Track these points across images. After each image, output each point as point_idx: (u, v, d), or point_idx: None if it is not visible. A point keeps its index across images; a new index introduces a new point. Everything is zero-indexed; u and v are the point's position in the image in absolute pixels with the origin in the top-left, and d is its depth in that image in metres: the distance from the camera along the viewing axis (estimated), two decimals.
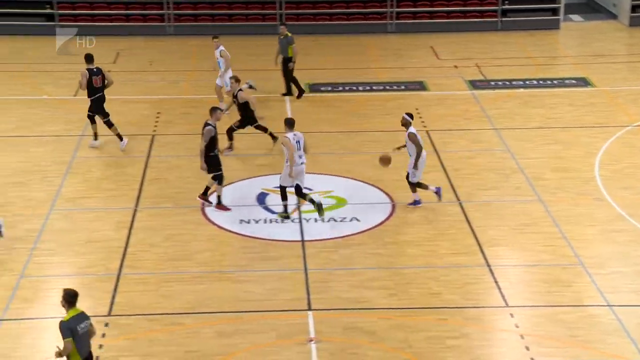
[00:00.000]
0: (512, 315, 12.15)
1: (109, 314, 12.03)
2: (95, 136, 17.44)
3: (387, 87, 21.19)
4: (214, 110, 14.83)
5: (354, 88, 21.15)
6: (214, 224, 14.59)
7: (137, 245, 13.86)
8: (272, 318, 11.99)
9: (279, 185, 14.72)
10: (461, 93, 20.85)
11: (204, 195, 14.96)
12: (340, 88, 21.13)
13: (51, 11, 25.17)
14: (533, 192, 15.68)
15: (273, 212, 14.90)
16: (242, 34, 24.73)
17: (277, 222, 14.65)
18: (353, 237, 14.18)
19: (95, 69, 17.12)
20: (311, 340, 11.48)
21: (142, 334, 11.63)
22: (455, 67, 22.58)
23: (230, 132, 16.94)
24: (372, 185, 15.91)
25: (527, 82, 21.49)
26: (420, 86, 21.24)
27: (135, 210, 14.96)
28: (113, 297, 12.44)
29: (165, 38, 25.02)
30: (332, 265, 13.39)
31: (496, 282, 12.92)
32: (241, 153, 17.19)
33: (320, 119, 19.08)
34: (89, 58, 17.19)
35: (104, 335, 11.58)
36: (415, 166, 14.66)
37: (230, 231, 14.35)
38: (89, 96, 17.16)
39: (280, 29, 20.23)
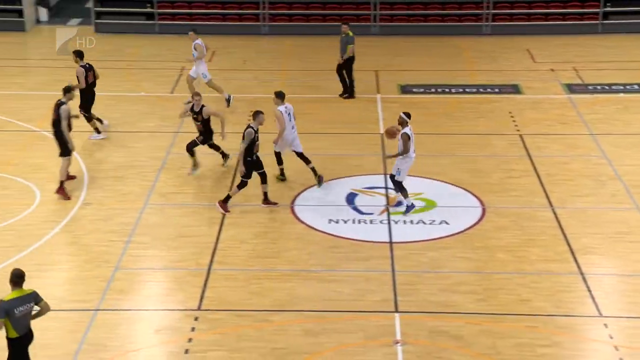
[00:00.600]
0: (606, 325, 11.81)
1: (199, 309, 12.26)
2: (97, 130, 17.83)
3: (481, 90, 20.89)
4: (257, 113, 14.91)
5: (447, 90, 20.94)
6: (302, 222, 14.69)
7: (227, 241, 14.08)
8: (359, 319, 11.99)
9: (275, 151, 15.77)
10: (557, 97, 20.38)
11: (266, 199, 15.05)
12: (433, 90, 20.95)
13: (151, 10, 25.86)
14: (631, 200, 15.20)
15: (362, 213, 14.91)
16: (336, 34, 24.77)
17: (365, 223, 14.64)
18: (442, 241, 14.06)
19: (87, 65, 17.52)
20: (397, 343, 11.44)
21: (231, 329, 11.81)
22: (552, 70, 22.09)
23: (191, 147, 16.16)
24: (463, 188, 15.72)
25: (628, 87, 20.84)
26: (515, 89, 20.86)
27: None
28: (203, 291, 12.67)
29: (260, 37, 25.34)
30: (420, 267, 13.30)
31: (589, 290, 12.58)
32: (333, 153, 17.27)
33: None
34: (81, 54, 17.58)
35: (193, 329, 11.82)
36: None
37: (318, 230, 14.43)
38: (81, 92, 17.55)
39: (342, 28, 20.06)
